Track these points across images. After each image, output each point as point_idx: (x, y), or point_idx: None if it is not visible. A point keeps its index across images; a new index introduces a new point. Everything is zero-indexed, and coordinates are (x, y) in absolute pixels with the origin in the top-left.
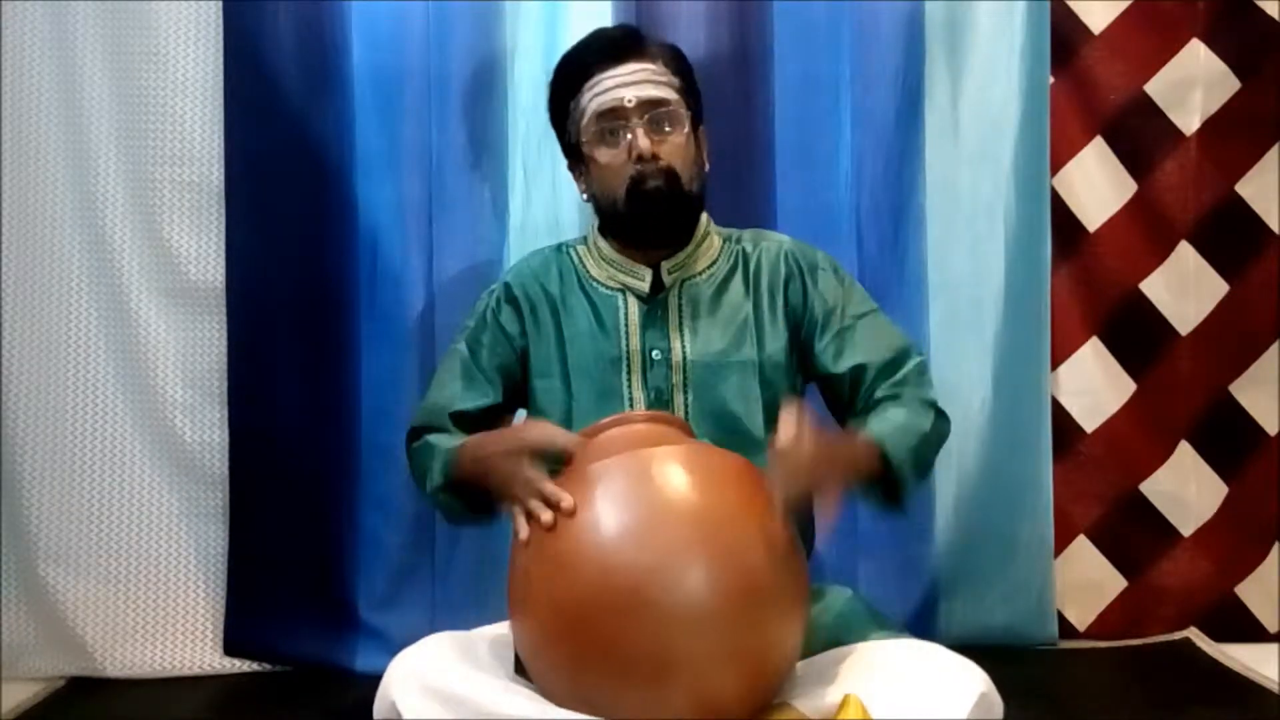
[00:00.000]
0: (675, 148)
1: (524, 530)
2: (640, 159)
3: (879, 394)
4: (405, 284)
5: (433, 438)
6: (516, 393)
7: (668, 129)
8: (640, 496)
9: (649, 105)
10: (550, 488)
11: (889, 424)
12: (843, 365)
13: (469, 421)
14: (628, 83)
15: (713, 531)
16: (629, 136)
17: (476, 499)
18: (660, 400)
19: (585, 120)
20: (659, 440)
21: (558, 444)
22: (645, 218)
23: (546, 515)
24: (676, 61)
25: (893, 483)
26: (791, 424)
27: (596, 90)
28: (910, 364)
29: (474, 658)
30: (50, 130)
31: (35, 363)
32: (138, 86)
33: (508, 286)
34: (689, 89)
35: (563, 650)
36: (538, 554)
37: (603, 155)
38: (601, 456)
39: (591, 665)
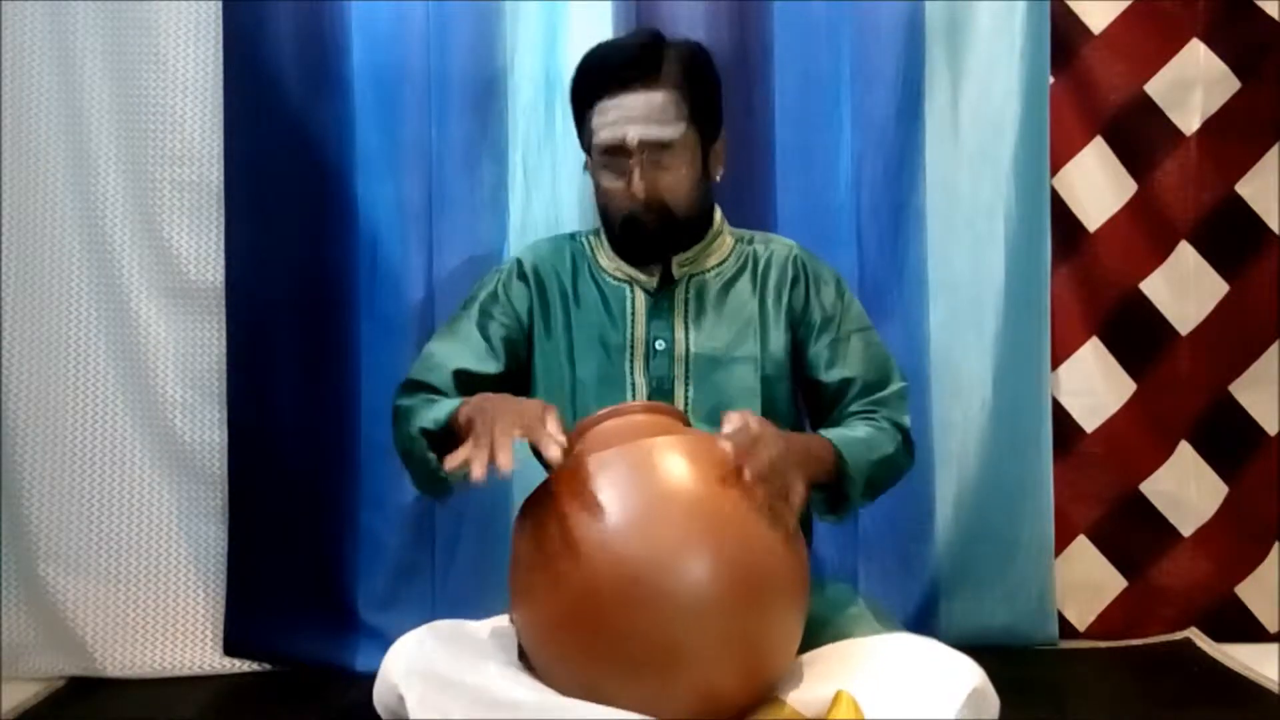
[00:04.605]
0: (674, 182)
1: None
2: (634, 198)
3: (855, 408)
4: (405, 283)
5: (433, 396)
6: (519, 369)
7: (668, 164)
8: (645, 487)
9: (653, 144)
10: (554, 426)
11: (853, 436)
12: (832, 375)
13: (471, 385)
14: (633, 118)
15: (718, 523)
16: (629, 173)
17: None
18: (661, 390)
19: (594, 143)
20: (657, 431)
21: (543, 434)
22: (637, 248)
23: (554, 452)
24: (693, 77)
25: (840, 493)
26: (739, 415)
27: (605, 120)
28: (893, 387)
29: (476, 645)
30: (50, 130)
31: (35, 363)
32: (138, 87)
33: (519, 263)
34: (704, 104)
35: (568, 639)
36: (542, 545)
37: (605, 180)
38: (601, 447)
39: (597, 654)
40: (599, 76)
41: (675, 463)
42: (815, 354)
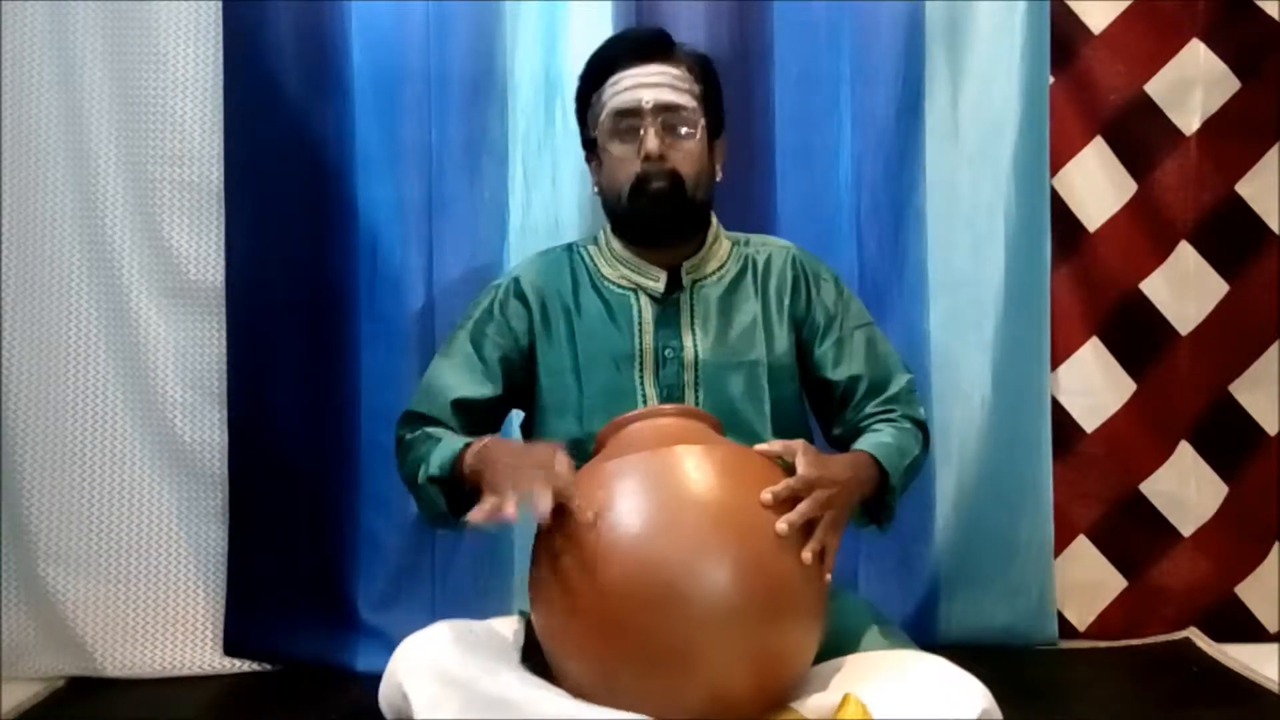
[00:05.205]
0: (686, 153)
1: (544, 506)
2: (648, 158)
3: (870, 409)
4: (405, 284)
5: (433, 430)
6: (515, 388)
7: (681, 133)
8: (673, 494)
9: (665, 109)
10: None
11: (886, 443)
12: (839, 373)
13: (470, 411)
14: (647, 84)
15: (741, 532)
16: (641, 135)
17: (462, 501)
18: (671, 398)
19: (603, 115)
20: (688, 435)
21: (560, 483)
22: (645, 216)
23: (544, 504)
24: (702, 69)
25: (880, 502)
26: (800, 447)
27: (617, 87)
28: (901, 382)
29: (484, 646)
30: (50, 130)
31: (35, 363)
32: (138, 86)
33: (517, 281)
34: (711, 98)
35: (586, 635)
36: (570, 545)
37: (615, 149)
38: (632, 448)
39: (620, 656)
40: (615, 53)
41: (703, 471)
42: (821, 354)
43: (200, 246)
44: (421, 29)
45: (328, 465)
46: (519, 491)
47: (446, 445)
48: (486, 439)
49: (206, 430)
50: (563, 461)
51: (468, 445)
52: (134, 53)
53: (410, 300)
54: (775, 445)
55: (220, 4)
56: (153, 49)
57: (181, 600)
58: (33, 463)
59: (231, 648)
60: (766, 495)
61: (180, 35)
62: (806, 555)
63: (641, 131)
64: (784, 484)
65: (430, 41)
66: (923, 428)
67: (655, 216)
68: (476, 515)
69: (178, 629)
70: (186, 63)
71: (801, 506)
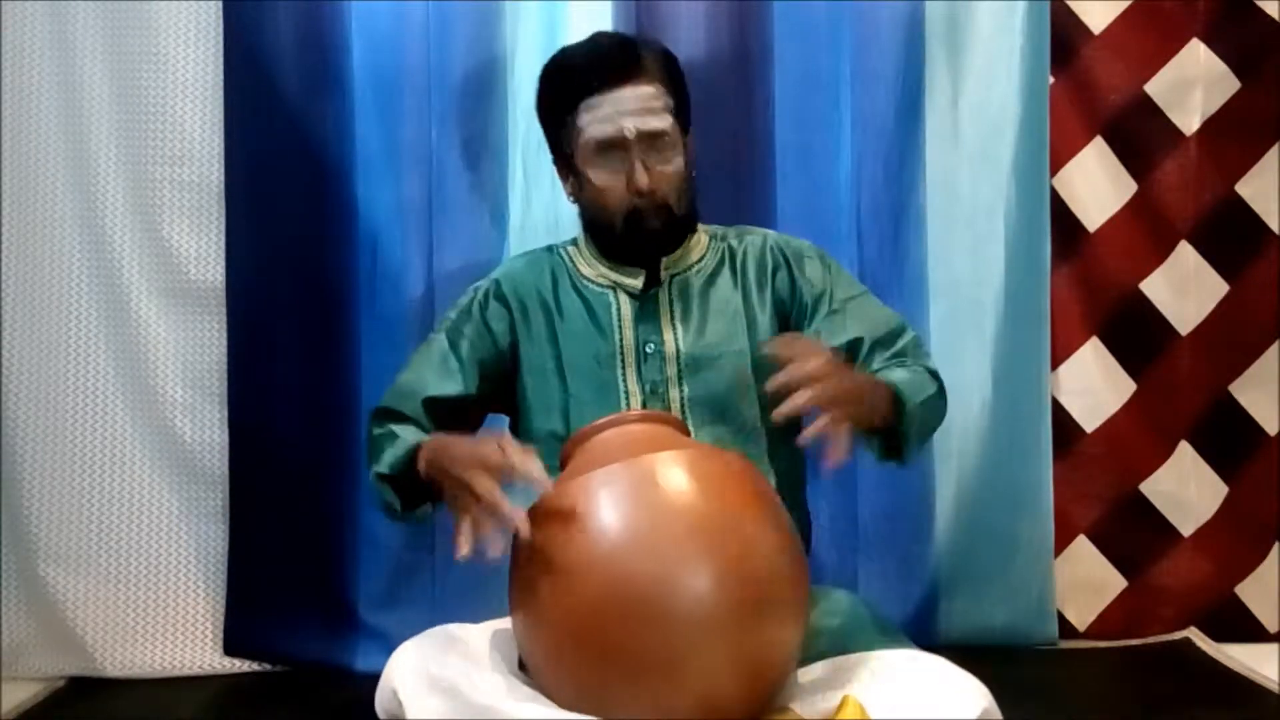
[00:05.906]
0: (671, 177)
1: (464, 545)
2: (639, 194)
3: (877, 364)
4: (405, 284)
5: (398, 428)
6: (492, 390)
7: (665, 157)
8: (649, 504)
9: (648, 136)
10: (507, 510)
11: (901, 378)
12: (838, 340)
13: (440, 410)
14: (628, 111)
15: (720, 539)
16: (628, 167)
17: (416, 497)
18: (655, 393)
19: (583, 140)
20: (656, 441)
21: (519, 472)
22: (641, 248)
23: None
24: (669, 73)
25: (896, 434)
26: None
27: (596, 115)
28: (907, 337)
29: (478, 653)
30: (50, 130)
31: (35, 363)
32: (138, 86)
33: (497, 283)
34: (681, 101)
35: (574, 655)
36: (546, 560)
37: (599, 178)
38: (600, 459)
39: (603, 669)
40: (585, 73)
41: (678, 479)
42: (815, 331)
43: (200, 246)
44: (421, 29)
45: (328, 465)
46: (492, 506)
47: (401, 443)
48: (435, 439)
49: (206, 430)
50: (512, 450)
51: (420, 444)
52: (134, 53)
53: (410, 300)
54: (776, 345)
55: (220, 4)
56: (153, 49)
57: (181, 600)
58: (33, 463)
59: (231, 648)
60: (770, 384)
61: (180, 35)
62: (796, 402)
63: (628, 162)
64: (777, 379)
65: (430, 41)
66: (938, 378)
67: (650, 248)
68: (462, 550)
69: (178, 629)
70: (186, 63)
71: (801, 391)
